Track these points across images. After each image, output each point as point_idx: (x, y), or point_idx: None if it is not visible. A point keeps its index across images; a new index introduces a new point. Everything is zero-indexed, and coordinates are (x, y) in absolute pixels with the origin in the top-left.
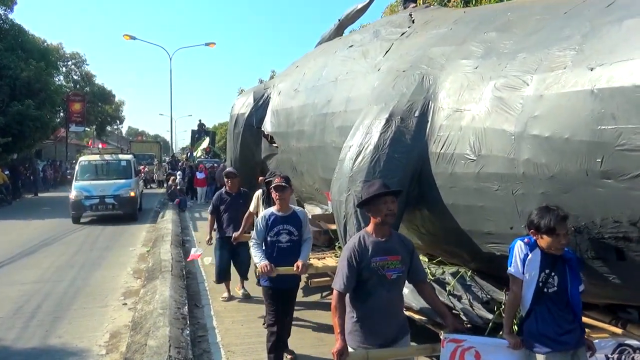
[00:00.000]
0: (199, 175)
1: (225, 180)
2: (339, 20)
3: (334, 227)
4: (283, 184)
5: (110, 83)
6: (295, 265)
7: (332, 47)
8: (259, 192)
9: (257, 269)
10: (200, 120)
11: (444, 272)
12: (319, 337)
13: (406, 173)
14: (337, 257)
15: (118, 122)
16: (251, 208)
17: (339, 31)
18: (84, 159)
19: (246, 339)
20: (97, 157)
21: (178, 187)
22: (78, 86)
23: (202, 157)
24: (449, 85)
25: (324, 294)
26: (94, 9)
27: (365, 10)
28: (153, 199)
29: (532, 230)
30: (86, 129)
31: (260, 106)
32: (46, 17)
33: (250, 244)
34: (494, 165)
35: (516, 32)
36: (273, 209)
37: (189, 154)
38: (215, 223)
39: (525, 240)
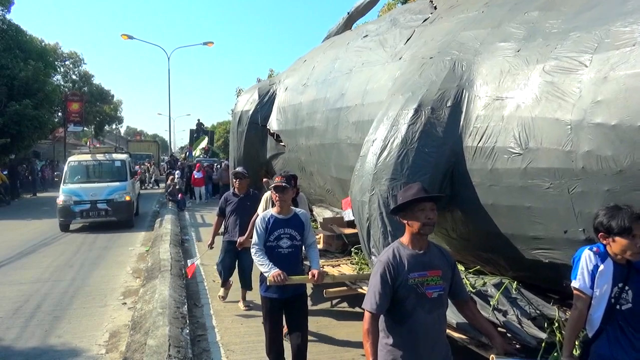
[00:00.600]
0: (197, 175)
1: (234, 180)
2: (348, 13)
3: (347, 231)
4: (283, 184)
5: (109, 83)
6: (310, 273)
7: (343, 39)
8: (267, 195)
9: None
10: (199, 120)
11: (484, 283)
12: (334, 352)
13: (438, 170)
14: (353, 263)
15: (116, 122)
16: (259, 211)
17: (348, 25)
18: (73, 159)
19: (245, 337)
20: (87, 157)
21: (177, 187)
22: (76, 86)
23: (201, 156)
24: (487, 71)
25: (334, 301)
26: (92, 8)
27: (376, 2)
28: (150, 199)
29: (601, 234)
30: (84, 128)
31: (265, 103)
32: (43, 17)
33: (252, 251)
34: (545, 160)
35: (564, 11)
36: (272, 211)
37: (187, 153)
38: (222, 226)
39: (595, 249)
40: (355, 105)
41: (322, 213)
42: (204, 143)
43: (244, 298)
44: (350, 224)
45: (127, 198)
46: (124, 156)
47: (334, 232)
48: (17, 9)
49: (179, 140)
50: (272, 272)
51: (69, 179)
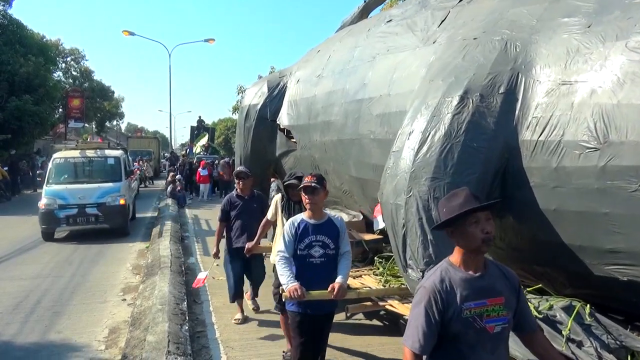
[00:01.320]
0: (202, 172)
1: (236, 181)
2: (365, 1)
3: (367, 236)
4: (313, 184)
5: (109, 79)
6: (330, 287)
7: (362, 26)
8: (277, 197)
9: (281, 292)
10: (199, 117)
11: (551, 306)
12: None
13: (488, 168)
14: (376, 274)
15: (117, 118)
16: (268, 215)
17: (363, 14)
18: (58, 155)
19: (245, 334)
20: (75, 153)
21: (178, 189)
22: (77, 82)
23: (201, 153)
24: (548, 52)
25: (349, 314)
26: (93, 5)
27: None
28: (148, 201)
29: None
30: (85, 125)
31: (275, 96)
32: (45, 13)
33: (275, 258)
34: (630, 156)
35: None
36: (303, 216)
37: (188, 150)
38: (225, 232)
39: None
40: (380, 96)
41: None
42: (204, 140)
43: (254, 295)
44: (373, 230)
45: (122, 201)
46: (118, 152)
47: (353, 239)
48: (18, 5)
49: (180, 137)
50: (289, 286)
51: (53, 179)
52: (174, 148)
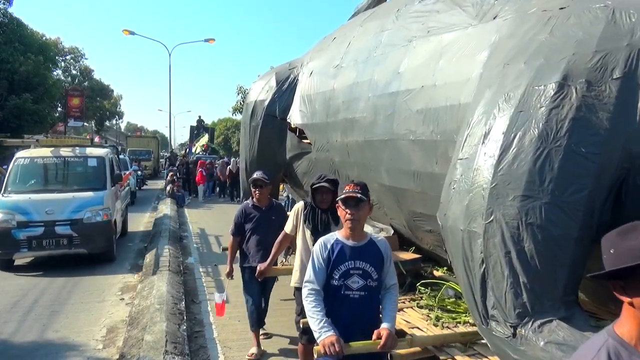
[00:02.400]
0: (203, 172)
1: (252, 189)
2: None
3: (404, 255)
4: (359, 194)
5: (109, 78)
6: (375, 334)
7: (388, 8)
8: (299, 206)
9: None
10: (199, 117)
11: None
12: None
13: (601, 182)
14: (420, 306)
15: (117, 117)
16: (287, 229)
17: None
18: (22, 155)
19: (242, 334)
20: (45, 152)
21: (178, 191)
22: (77, 81)
23: (201, 153)
24: None
25: None
26: (93, 3)
27: None
28: (146, 202)
29: None
30: (85, 124)
31: (284, 91)
32: (45, 11)
33: (304, 292)
34: None
35: None
36: (339, 235)
37: (187, 150)
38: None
39: None
40: (422, 88)
41: None
42: (204, 140)
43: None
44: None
45: (105, 217)
46: (102, 151)
47: None
48: (18, 3)
49: (179, 136)
50: (323, 337)
51: (13, 186)
52: (173, 148)
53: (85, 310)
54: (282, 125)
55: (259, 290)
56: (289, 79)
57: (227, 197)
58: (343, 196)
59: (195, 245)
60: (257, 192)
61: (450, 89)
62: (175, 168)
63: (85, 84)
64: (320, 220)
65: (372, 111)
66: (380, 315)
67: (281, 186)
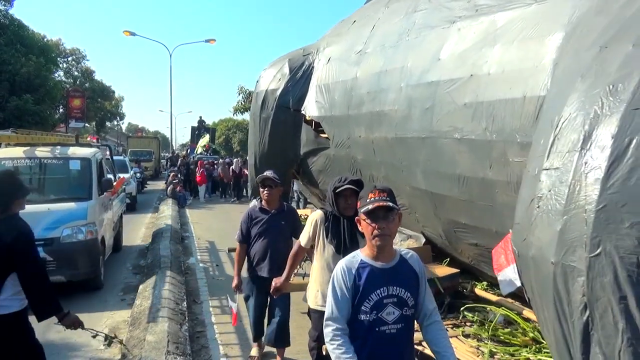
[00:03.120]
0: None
1: (261, 189)
2: None
3: (441, 270)
4: (389, 202)
5: (110, 79)
6: None
7: None
8: (317, 217)
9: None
10: (200, 117)
11: None
12: None
13: None
14: (466, 335)
15: (118, 118)
16: (302, 241)
17: None
18: None
19: (244, 334)
20: (18, 152)
21: (179, 192)
22: (78, 82)
23: (203, 153)
24: None
25: None
26: (94, 5)
27: None
28: (147, 207)
29: None
30: (86, 125)
31: (299, 79)
32: (46, 13)
33: (326, 332)
34: None
35: None
36: (363, 255)
37: (188, 150)
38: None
39: None
40: (471, 77)
41: None
42: (205, 140)
43: (281, 356)
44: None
45: (89, 235)
46: (88, 152)
47: None
48: (19, 5)
49: (181, 137)
50: None
51: None
52: (174, 148)
53: (87, 311)
54: (295, 117)
55: (262, 300)
56: (304, 67)
57: (228, 197)
58: (370, 207)
59: (196, 245)
60: (266, 192)
61: (511, 78)
62: (176, 168)
63: (87, 85)
64: (347, 233)
65: (405, 104)
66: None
67: None
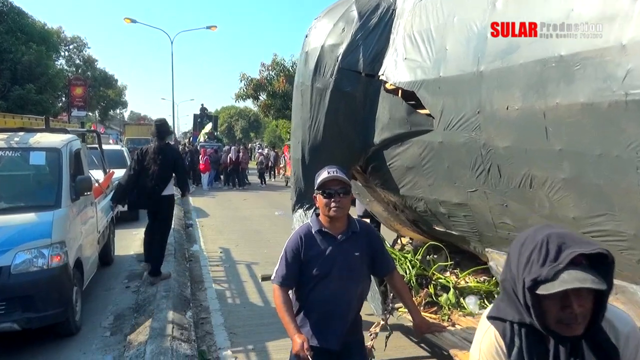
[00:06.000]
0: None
1: (321, 199)
2: None
3: None
4: None
5: (112, 68)
6: None
7: None
8: (495, 342)
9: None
10: (202, 105)
11: None
12: None
13: None
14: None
15: (121, 106)
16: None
17: None
18: None
19: (248, 321)
20: None
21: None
22: (80, 71)
23: (207, 141)
24: None
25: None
26: None
27: None
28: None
29: None
30: (89, 113)
31: (373, 29)
32: (45, 1)
33: None
34: None
35: None
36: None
37: (191, 138)
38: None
39: None
40: None
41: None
42: (208, 128)
43: None
44: None
45: (56, 259)
46: (58, 141)
47: None
48: None
49: (183, 125)
50: None
51: None
52: (177, 136)
53: (91, 299)
54: (368, 86)
55: None
56: (380, 10)
57: (230, 185)
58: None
59: (200, 233)
60: (333, 205)
61: None
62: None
63: (89, 73)
64: None
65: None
66: None
67: (287, 169)
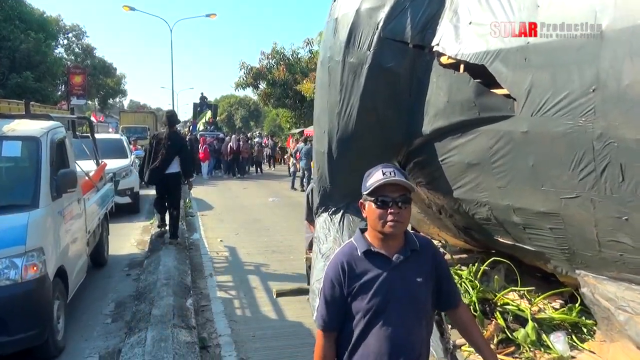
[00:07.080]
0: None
1: (378, 209)
2: None
3: None
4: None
5: (111, 56)
6: None
7: None
8: None
9: None
10: (202, 93)
11: None
12: None
13: None
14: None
15: (120, 95)
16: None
17: None
18: None
19: (249, 308)
20: None
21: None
22: (79, 59)
23: (207, 129)
24: None
25: None
26: None
27: None
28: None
29: None
30: (88, 102)
31: None
32: None
33: None
34: None
35: None
36: None
37: (191, 127)
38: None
39: None
40: None
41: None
42: (207, 116)
43: None
44: None
45: (31, 270)
46: (37, 128)
47: None
48: None
49: (183, 113)
50: None
51: None
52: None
53: (92, 286)
54: (416, 59)
55: None
56: None
57: (230, 174)
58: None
59: (200, 221)
60: (390, 217)
61: None
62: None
63: (88, 62)
64: None
65: None
66: None
67: (290, 159)
